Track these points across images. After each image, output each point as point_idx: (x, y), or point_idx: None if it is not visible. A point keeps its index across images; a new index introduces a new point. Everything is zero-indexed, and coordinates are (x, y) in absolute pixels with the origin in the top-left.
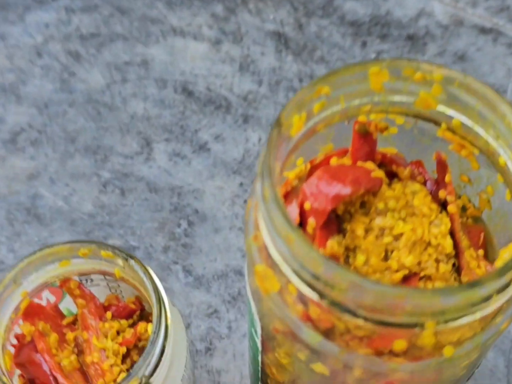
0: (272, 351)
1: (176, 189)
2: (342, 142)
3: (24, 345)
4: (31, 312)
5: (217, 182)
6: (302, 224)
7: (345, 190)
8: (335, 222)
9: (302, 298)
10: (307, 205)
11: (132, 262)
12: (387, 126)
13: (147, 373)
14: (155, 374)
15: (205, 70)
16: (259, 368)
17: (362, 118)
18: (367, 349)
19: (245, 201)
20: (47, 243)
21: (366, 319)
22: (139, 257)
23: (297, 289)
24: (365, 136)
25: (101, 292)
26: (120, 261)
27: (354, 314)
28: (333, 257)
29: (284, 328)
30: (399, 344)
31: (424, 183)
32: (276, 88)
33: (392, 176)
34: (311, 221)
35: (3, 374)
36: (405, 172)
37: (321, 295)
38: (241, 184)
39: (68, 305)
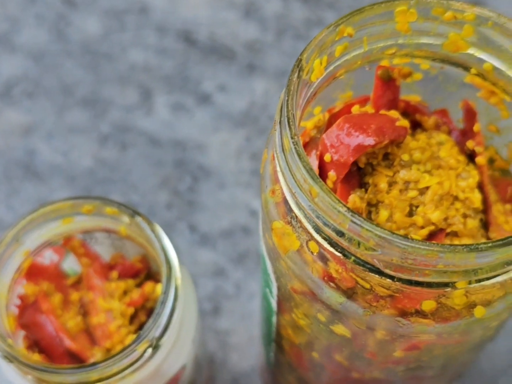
0: (289, 312)
1: (179, 143)
2: (362, 90)
3: (27, 306)
4: (34, 272)
5: (222, 136)
6: (321, 177)
7: (368, 140)
8: (357, 175)
9: (324, 257)
10: (327, 157)
11: (138, 219)
12: (411, 72)
13: (157, 334)
14: (165, 336)
15: (208, 18)
16: (273, 330)
17: (385, 63)
18: (393, 310)
19: (252, 156)
20: (46, 200)
21: (393, 278)
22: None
23: (319, 247)
24: (388, 82)
25: (105, 251)
26: (125, 218)
27: (381, 273)
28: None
29: (303, 288)
30: (428, 305)
31: (449, 134)
32: (282, 36)
33: (415, 126)
34: (332, 174)
35: (8, 335)
36: (429, 121)
37: (346, 253)
38: (247, 138)
39: (71, 264)
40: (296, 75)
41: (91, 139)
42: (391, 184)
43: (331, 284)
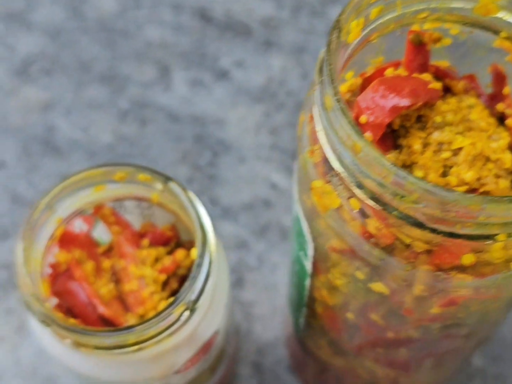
0: (325, 273)
1: (198, 119)
2: (393, 55)
3: (59, 274)
4: (67, 240)
5: (240, 111)
6: None
7: (403, 101)
8: (391, 137)
9: (365, 213)
10: (362, 119)
11: (172, 184)
12: (441, 37)
13: (193, 298)
14: (200, 300)
15: None
16: (306, 293)
17: (416, 28)
18: (432, 265)
19: (271, 130)
20: (68, 176)
21: (435, 231)
22: None
23: (360, 203)
24: (419, 46)
25: (134, 220)
26: (158, 185)
27: (423, 227)
28: None
29: (342, 246)
30: (467, 259)
31: (478, 98)
32: (298, 13)
33: (445, 90)
34: (368, 136)
35: (45, 301)
36: (458, 86)
37: (388, 207)
38: (265, 113)
39: (101, 233)
40: (335, 35)
41: (110, 115)
42: (424, 146)
43: (371, 240)
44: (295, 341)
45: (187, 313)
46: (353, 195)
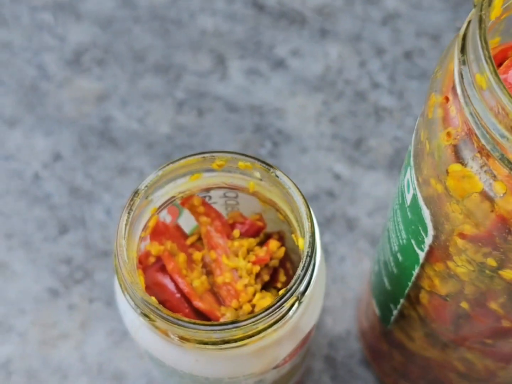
0: (443, 261)
1: (256, 108)
2: (508, 36)
3: (147, 267)
4: (158, 231)
5: (299, 100)
6: None
7: None
8: None
9: (510, 197)
10: None
11: (277, 172)
12: None
13: (302, 289)
14: (307, 292)
15: None
16: (409, 284)
17: None
18: None
19: (331, 119)
20: (125, 168)
21: None
22: None
23: (507, 186)
24: None
25: (219, 210)
26: (257, 173)
27: None
28: None
29: (476, 232)
30: None
31: None
32: (352, 0)
33: None
34: None
35: (147, 296)
36: None
37: None
38: (324, 102)
39: (183, 224)
40: (487, 9)
41: (166, 105)
42: None
43: None
44: (377, 334)
45: (296, 305)
46: (498, 178)
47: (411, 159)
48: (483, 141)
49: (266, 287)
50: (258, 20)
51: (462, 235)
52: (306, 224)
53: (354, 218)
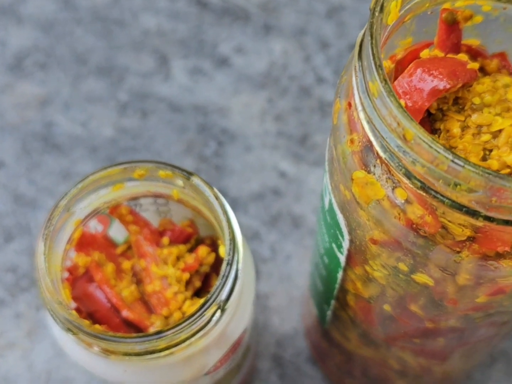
0: (361, 265)
1: (200, 108)
2: (421, 35)
3: (77, 278)
4: (85, 242)
5: (243, 98)
6: None
7: (443, 84)
8: (427, 121)
9: (411, 203)
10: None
11: (196, 180)
12: (472, 15)
13: (223, 297)
14: (231, 298)
15: None
16: (336, 286)
17: (447, 6)
18: (483, 254)
19: (276, 117)
20: (69, 173)
21: (490, 219)
22: None
23: (407, 193)
24: (452, 25)
25: (151, 218)
26: (179, 181)
27: (476, 215)
28: None
29: (385, 238)
30: None
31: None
32: None
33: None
34: None
35: (69, 308)
36: (492, 64)
37: (439, 196)
38: (268, 99)
39: (115, 233)
40: (378, 16)
41: (109, 108)
42: (463, 129)
43: (419, 231)
44: (318, 332)
45: (218, 313)
46: (398, 185)
47: (326, 163)
48: (379, 150)
49: (199, 293)
50: (201, 18)
51: (373, 241)
52: (226, 232)
53: (300, 216)
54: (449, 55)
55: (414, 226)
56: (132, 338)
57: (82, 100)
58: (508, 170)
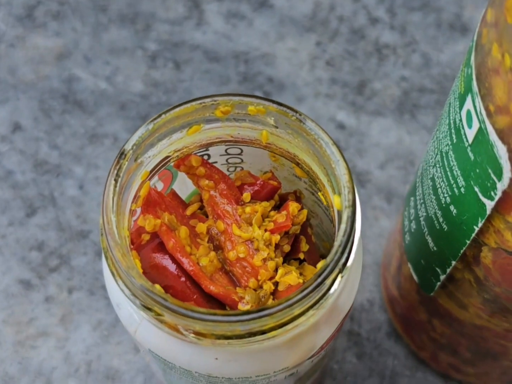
0: None
1: (241, 56)
2: None
3: (140, 247)
4: (153, 201)
5: (289, 44)
6: None
7: None
8: None
9: None
10: None
11: (301, 117)
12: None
13: (343, 260)
14: (348, 263)
15: None
16: (467, 242)
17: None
18: None
19: (327, 62)
20: (96, 135)
21: None
22: None
23: None
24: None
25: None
26: (271, 119)
27: None
28: None
29: None
30: None
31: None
32: None
33: None
34: None
35: (149, 283)
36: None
37: None
38: (318, 43)
39: (178, 190)
40: None
41: (137, 60)
42: None
43: None
44: (413, 303)
45: (338, 280)
46: None
47: (473, 83)
48: None
49: (285, 259)
50: None
51: None
52: (343, 178)
53: (365, 172)
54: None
55: None
56: (234, 316)
57: (104, 52)
58: None
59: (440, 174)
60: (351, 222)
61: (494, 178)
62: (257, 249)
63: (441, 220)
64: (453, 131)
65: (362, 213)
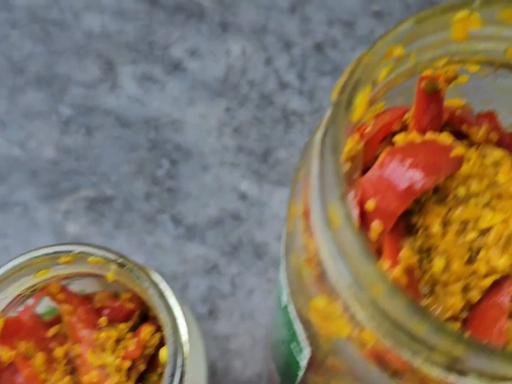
0: (321, 376)
1: (151, 122)
2: (395, 99)
3: (2, 371)
4: (9, 332)
5: (199, 109)
6: (363, 228)
7: (421, 181)
8: (403, 215)
9: (381, 348)
10: (370, 205)
11: (130, 268)
12: (456, 75)
13: None
14: None
15: None
16: (297, 379)
17: (427, 72)
18: None
19: (235, 129)
20: (7, 202)
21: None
22: (118, 208)
23: (376, 341)
24: (433, 95)
25: (89, 286)
26: (113, 266)
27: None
28: (410, 271)
29: (347, 367)
30: None
31: (500, 142)
32: None
33: (461, 137)
34: (376, 226)
35: None
36: (479, 133)
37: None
38: (227, 109)
39: (49, 302)
40: (343, 119)
41: (50, 124)
42: (445, 225)
43: (381, 367)
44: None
45: None
46: (365, 330)
47: (282, 257)
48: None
49: (146, 372)
50: (150, 16)
51: (334, 368)
52: (169, 332)
53: (263, 244)
54: (429, 135)
55: (382, 368)
56: None
57: (19, 116)
58: (497, 275)
59: (278, 320)
60: (171, 380)
61: (300, 347)
62: (109, 375)
63: (280, 346)
64: (277, 288)
65: (258, 286)
